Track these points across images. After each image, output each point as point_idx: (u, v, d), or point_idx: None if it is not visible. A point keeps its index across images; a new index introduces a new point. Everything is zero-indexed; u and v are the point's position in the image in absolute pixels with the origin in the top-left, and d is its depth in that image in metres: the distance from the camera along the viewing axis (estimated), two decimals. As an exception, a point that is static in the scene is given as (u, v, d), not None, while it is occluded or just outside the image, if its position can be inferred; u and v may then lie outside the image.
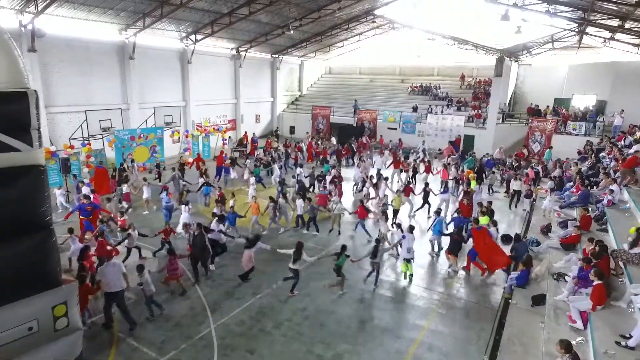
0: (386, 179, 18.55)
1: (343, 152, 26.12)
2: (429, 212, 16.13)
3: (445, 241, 12.52)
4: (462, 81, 35.91)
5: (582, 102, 29.56)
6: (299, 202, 14.68)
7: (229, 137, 27.25)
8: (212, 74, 30.03)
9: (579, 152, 21.74)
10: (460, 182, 18.73)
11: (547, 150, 23.77)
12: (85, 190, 14.36)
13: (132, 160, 19.32)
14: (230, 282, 11.05)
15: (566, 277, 9.35)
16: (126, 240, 11.26)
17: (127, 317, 8.75)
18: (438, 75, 38.82)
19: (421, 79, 38.10)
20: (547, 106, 28.95)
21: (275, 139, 30.29)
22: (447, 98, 33.68)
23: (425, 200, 16.26)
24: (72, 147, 17.69)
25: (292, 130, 33.84)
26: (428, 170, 21.41)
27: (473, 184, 18.53)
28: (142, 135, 20.78)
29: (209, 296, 10.41)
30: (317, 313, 9.82)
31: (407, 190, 16.22)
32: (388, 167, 21.73)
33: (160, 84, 25.95)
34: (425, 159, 23.41)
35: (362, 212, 13.98)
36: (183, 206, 13.40)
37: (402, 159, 22.12)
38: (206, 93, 29.72)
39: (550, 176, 19.00)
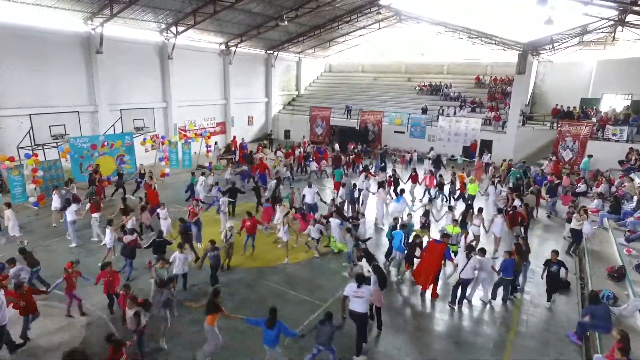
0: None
1: (344, 159, 22.83)
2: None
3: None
4: (477, 81, 32.55)
5: (614, 102, 26.20)
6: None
7: (215, 143, 23.92)
8: (197, 71, 26.75)
9: (625, 161, 18.40)
10: (441, 186, 17.36)
11: (585, 159, 20.41)
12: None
13: (94, 172, 15.98)
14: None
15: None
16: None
17: None
18: (448, 73, 35.52)
19: (430, 78, 34.79)
20: (574, 107, 25.61)
21: (268, 144, 26.98)
22: (459, 98, 30.39)
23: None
24: (11, 159, 14.36)
25: (287, 134, 30.47)
26: (415, 180, 18.09)
27: (472, 189, 16.26)
28: (105, 143, 17.46)
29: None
30: None
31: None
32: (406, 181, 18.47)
33: (136, 83, 22.66)
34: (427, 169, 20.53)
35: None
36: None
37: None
38: (191, 93, 26.44)
39: (596, 193, 15.70)
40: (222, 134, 29.86)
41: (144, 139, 18.99)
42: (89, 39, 19.91)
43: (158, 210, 12.41)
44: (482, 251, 9.52)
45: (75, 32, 19.50)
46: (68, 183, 14.58)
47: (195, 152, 22.82)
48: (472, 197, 16.44)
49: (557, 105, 25.89)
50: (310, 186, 14.28)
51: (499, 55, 32.89)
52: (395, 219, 11.81)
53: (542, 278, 9.82)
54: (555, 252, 9.59)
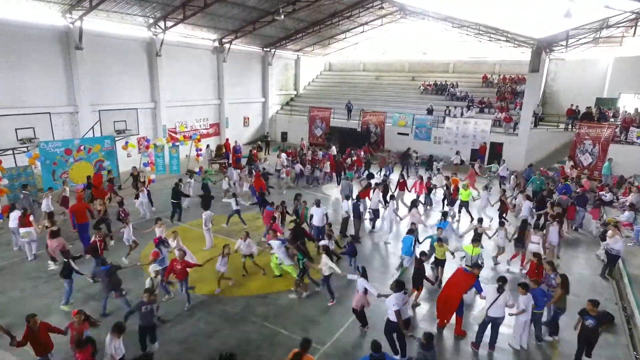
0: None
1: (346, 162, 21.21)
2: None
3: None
4: (484, 80, 30.90)
5: (633, 102, 24.53)
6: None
7: (207, 146, 22.31)
8: (188, 69, 25.15)
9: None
10: (431, 190, 16.42)
11: (606, 163, 18.83)
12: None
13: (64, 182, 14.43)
14: None
15: None
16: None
17: None
18: (454, 72, 33.87)
19: (435, 76, 33.15)
20: (589, 107, 23.95)
21: (264, 147, 25.35)
22: (467, 98, 28.75)
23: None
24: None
25: (284, 136, 28.83)
26: (402, 187, 16.34)
27: (465, 195, 14.94)
28: (82, 148, 15.86)
29: None
30: None
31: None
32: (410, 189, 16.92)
33: (121, 82, 21.05)
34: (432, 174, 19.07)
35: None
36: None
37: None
38: (181, 92, 24.85)
39: (627, 203, 14.07)
40: (216, 136, 28.28)
41: (126, 143, 17.35)
42: (68, 33, 18.31)
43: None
44: (524, 287, 7.68)
45: (53, 26, 17.90)
46: (25, 187, 13.04)
47: (186, 156, 21.24)
48: (466, 204, 15.12)
49: (572, 105, 24.24)
50: (318, 205, 12.04)
51: (507, 53, 31.27)
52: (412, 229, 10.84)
53: (575, 329, 7.60)
54: (593, 303, 7.35)
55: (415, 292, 9.21)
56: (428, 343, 6.23)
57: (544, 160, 23.13)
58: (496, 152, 24.59)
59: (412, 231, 10.62)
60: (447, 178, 16.58)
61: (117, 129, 17.33)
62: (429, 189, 16.36)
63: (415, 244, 10.49)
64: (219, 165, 22.18)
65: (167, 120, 23.92)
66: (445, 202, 16.20)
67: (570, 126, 24.08)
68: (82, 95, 18.98)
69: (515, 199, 16.21)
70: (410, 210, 12.76)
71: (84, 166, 15.92)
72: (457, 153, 23.16)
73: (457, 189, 15.61)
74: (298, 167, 19.77)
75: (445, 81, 31.44)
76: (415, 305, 9.30)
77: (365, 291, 7.94)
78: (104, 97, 20.03)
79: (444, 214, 12.29)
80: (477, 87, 30.71)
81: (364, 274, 8.05)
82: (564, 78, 29.37)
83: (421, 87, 32.05)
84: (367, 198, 14.51)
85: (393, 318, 6.94)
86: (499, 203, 14.35)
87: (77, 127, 19.17)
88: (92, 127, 17.61)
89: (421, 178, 16.58)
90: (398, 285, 7.06)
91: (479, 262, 9.72)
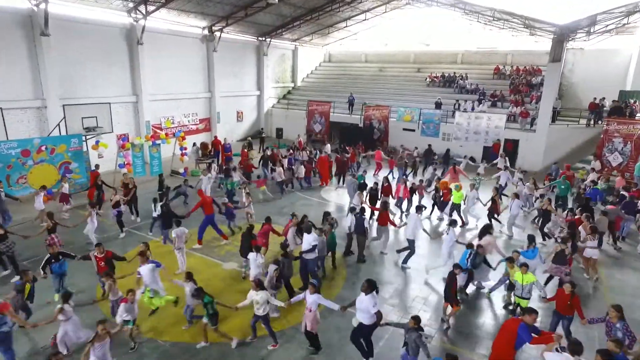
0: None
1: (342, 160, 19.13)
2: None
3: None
4: (496, 72, 28.67)
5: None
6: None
7: (193, 144, 20.21)
8: (175, 59, 22.97)
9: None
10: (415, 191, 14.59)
11: (638, 163, 16.75)
12: None
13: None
14: None
15: None
16: None
17: None
18: (462, 63, 31.66)
19: (442, 68, 30.94)
20: (616, 100, 21.80)
21: (259, 144, 23.18)
22: (477, 91, 26.57)
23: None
24: None
25: (279, 133, 26.66)
26: (387, 192, 14.35)
27: (457, 198, 13.57)
28: (43, 148, 13.77)
29: None
30: None
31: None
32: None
33: (98, 73, 18.92)
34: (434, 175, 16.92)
35: None
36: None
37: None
38: (167, 85, 22.71)
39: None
40: (206, 132, 26.20)
41: (97, 142, 15.26)
42: (32, 17, 16.15)
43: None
44: (618, 344, 5.41)
45: (14, 9, 15.74)
46: None
47: (174, 154, 19.16)
48: (457, 207, 13.75)
49: (594, 99, 22.07)
50: (309, 231, 9.29)
51: (519, 42, 29.13)
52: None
53: None
54: None
55: (451, 308, 8.12)
56: (416, 325, 6.00)
57: (564, 158, 21.00)
58: (509, 149, 22.53)
59: (471, 245, 9.30)
60: (438, 180, 14.97)
61: (87, 126, 15.20)
62: (412, 192, 14.52)
63: (470, 258, 9.12)
64: (207, 166, 20.08)
65: (151, 115, 21.81)
66: (436, 206, 14.66)
67: (592, 122, 21.97)
68: (50, 87, 16.86)
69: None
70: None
71: (46, 169, 13.87)
72: (466, 157, 20.64)
73: (448, 191, 14.06)
74: (278, 171, 17.10)
75: (454, 73, 29.23)
76: (448, 323, 8.21)
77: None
78: (75, 90, 17.91)
79: (452, 222, 10.29)
80: (488, 79, 28.52)
81: (316, 289, 7.00)
82: (583, 69, 27.19)
83: (427, 79, 29.85)
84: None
85: (368, 322, 6.40)
86: (490, 203, 13.22)
87: (45, 124, 17.06)
88: (58, 125, 15.48)
89: (405, 182, 14.53)
90: (370, 285, 6.46)
91: (526, 293, 7.90)
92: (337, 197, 16.87)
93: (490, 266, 9.36)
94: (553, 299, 7.57)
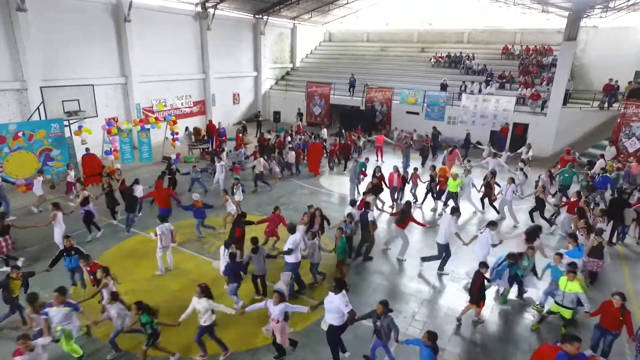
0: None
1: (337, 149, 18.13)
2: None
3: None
4: (505, 52, 27.31)
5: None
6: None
7: (186, 129, 19.17)
8: (166, 38, 21.65)
9: None
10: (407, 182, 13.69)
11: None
12: None
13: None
14: None
15: None
16: None
17: None
18: (469, 42, 30.26)
19: (447, 47, 29.57)
20: (629, 82, 20.67)
21: (257, 129, 22.09)
22: (485, 72, 25.32)
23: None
24: None
25: (276, 116, 25.51)
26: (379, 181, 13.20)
27: (453, 185, 12.78)
28: (20, 134, 12.75)
29: None
30: None
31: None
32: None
33: (80, 52, 17.69)
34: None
35: None
36: None
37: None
38: (158, 65, 21.48)
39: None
40: (201, 115, 25.09)
41: (79, 127, 14.22)
42: (7, -9, 14.93)
43: None
44: None
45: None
46: None
47: (166, 138, 18.13)
48: (455, 195, 13.03)
49: (610, 80, 20.89)
50: (292, 231, 8.28)
51: (529, 20, 27.72)
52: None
53: None
54: None
55: (475, 308, 7.60)
56: (386, 310, 5.91)
57: (575, 144, 19.99)
58: (517, 134, 21.50)
59: (513, 256, 7.91)
60: (433, 168, 13.96)
61: (68, 110, 14.13)
62: (404, 181, 13.61)
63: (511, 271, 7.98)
64: (201, 151, 19.11)
65: (141, 98, 20.68)
66: (430, 195, 13.69)
67: (607, 104, 20.87)
68: (30, 68, 15.72)
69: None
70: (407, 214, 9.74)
71: (24, 157, 12.89)
72: (489, 144, 19.33)
73: (445, 180, 13.22)
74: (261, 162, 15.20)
75: (460, 53, 27.89)
76: (478, 322, 7.75)
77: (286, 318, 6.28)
78: (57, 71, 16.73)
79: (491, 223, 8.91)
80: (496, 59, 27.19)
81: (282, 298, 6.20)
82: (596, 49, 25.83)
83: (432, 60, 28.51)
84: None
85: (339, 322, 6.09)
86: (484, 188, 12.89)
87: (26, 108, 15.99)
88: (37, 109, 14.39)
89: (397, 170, 13.43)
90: (339, 285, 6.06)
91: (572, 304, 6.98)
92: (339, 186, 15.70)
93: (536, 274, 8.27)
94: (597, 313, 6.60)
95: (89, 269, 7.29)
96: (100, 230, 10.94)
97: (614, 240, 11.16)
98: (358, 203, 10.51)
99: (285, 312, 6.19)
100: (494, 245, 8.82)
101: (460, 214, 9.71)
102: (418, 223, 10.19)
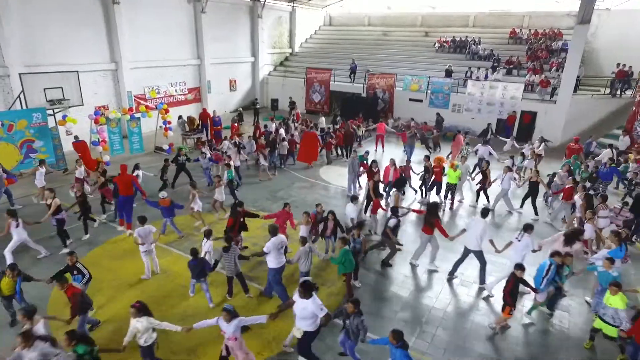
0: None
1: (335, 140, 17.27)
2: None
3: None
4: (512, 36, 26.21)
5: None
6: None
7: (179, 117, 18.33)
8: (157, 22, 20.60)
9: None
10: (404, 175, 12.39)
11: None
12: None
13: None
14: None
15: None
16: None
17: None
18: (474, 26, 29.12)
19: (452, 32, 28.45)
20: (644, 68, 19.77)
21: (242, 118, 21.10)
22: (491, 57, 24.30)
23: None
24: None
25: (274, 104, 24.55)
26: (370, 177, 11.87)
27: (453, 177, 11.98)
28: (-1, 124, 11.96)
29: None
30: None
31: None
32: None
33: (68, 36, 16.73)
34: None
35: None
36: None
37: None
38: (150, 50, 20.49)
39: None
40: (196, 102, 24.17)
41: (64, 117, 13.39)
42: (-16, -30, 13.93)
43: None
44: None
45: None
46: None
47: (161, 126, 17.31)
48: (453, 187, 12.28)
49: (622, 65, 19.93)
50: (274, 233, 7.37)
51: (537, 3, 26.62)
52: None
53: None
54: None
55: (502, 314, 6.99)
56: (357, 309, 5.63)
57: (584, 133, 19.15)
58: (525, 123, 20.65)
59: (558, 255, 7.17)
60: (427, 158, 13.03)
61: (51, 98, 13.29)
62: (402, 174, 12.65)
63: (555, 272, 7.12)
64: (196, 141, 18.29)
65: (133, 85, 19.77)
66: (424, 187, 12.95)
67: (619, 91, 19.97)
68: (12, 53, 14.82)
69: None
70: (433, 217, 8.72)
71: (4, 149, 12.11)
72: (512, 137, 18.07)
73: (441, 170, 12.40)
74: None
75: (466, 37, 26.80)
76: (505, 328, 7.21)
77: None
78: (40, 56, 15.79)
79: (527, 227, 7.93)
80: (503, 44, 26.13)
81: (233, 314, 5.45)
82: (607, 33, 24.76)
83: (436, 44, 27.44)
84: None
85: (313, 328, 5.70)
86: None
87: (9, 95, 15.12)
88: (18, 97, 13.53)
89: (393, 163, 12.32)
90: (307, 288, 5.53)
91: (610, 317, 6.27)
92: (342, 179, 14.56)
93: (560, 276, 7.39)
94: (633, 331, 5.90)
95: (64, 292, 6.35)
96: (70, 241, 9.76)
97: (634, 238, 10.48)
98: (372, 206, 9.73)
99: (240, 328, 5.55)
100: (534, 251, 7.95)
101: (532, 229, 8.10)
102: (442, 231, 8.62)
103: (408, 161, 13.40)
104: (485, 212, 8.41)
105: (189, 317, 7.17)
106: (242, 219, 8.99)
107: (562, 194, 11.09)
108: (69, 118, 13.34)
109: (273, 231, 7.37)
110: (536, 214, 11.87)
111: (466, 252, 8.40)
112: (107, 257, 9.30)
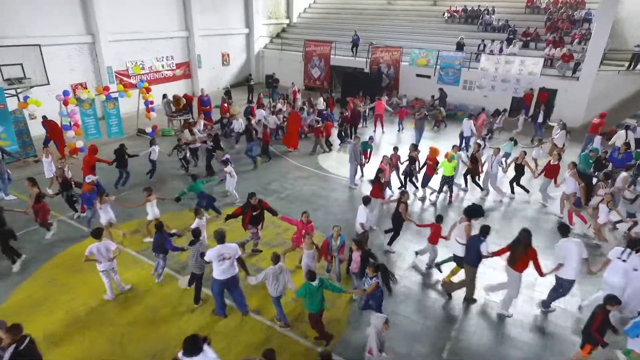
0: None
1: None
2: None
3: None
4: (529, 5, 24.00)
5: None
6: None
7: (163, 96, 16.62)
8: (139, -12, 18.64)
9: None
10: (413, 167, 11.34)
11: None
12: None
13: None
14: None
15: None
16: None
17: None
18: (487, -6, 26.78)
19: (463, 0, 26.19)
20: (676, 42, 17.87)
21: (250, 96, 19.42)
22: (507, 28, 22.25)
23: None
24: None
25: (269, 81, 22.55)
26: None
27: (449, 168, 10.67)
28: (-54, 108, 10.35)
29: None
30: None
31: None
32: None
33: (30, 3, 14.83)
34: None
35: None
36: None
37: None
38: (131, 21, 18.60)
39: None
40: (186, 79, 22.40)
41: (25, 99, 11.73)
42: None
43: None
44: None
45: None
46: None
47: (146, 107, 15.66)
48: (450, 179, 10.95)
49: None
50: (221, 241, 6.09)
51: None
52: None
53: None
54: None
55: (581, 353, 5.68)
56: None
57: (609, 114, 17.44)
58: (540, 102, 18.87)
59: None
60: (414, 147, 11.53)
61: (8, 77, 11.60)
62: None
63: None
64: (183, 123, 16.64)
65: (113, 60, 17.99)
66: (409, 179, 11.51)
67: (645, 67, 18.18)
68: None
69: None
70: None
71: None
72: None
73: (434, 163, 11.06)
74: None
75: (478, 6, 24.59)
76: None
77: None
78: (10, 28, 13.97)
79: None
80: (519, 14, 23.97)
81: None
82: (634, 2, 22.58)
83: (446, 14, 25.25)
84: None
85: None
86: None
87: (-31, 73, 13.44)
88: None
89: (388, 162, 10.72)
90: (192, 344, 4.28)
91: None
92: (343, 168, 12.81)
93: None
94: None
95: None
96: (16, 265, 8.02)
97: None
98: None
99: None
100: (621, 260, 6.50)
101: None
102: (538, 267, 6.57)
103: (415, 146, 11.80)
104: (564, 229, 6.83)
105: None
106: (256, 212, 7.84)
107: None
108: (32, 100, 11.68)
109: (219, 238, 6.06)
110: (526, 191, 11.61)
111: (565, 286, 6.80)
112: (67, 268, 7.92)
